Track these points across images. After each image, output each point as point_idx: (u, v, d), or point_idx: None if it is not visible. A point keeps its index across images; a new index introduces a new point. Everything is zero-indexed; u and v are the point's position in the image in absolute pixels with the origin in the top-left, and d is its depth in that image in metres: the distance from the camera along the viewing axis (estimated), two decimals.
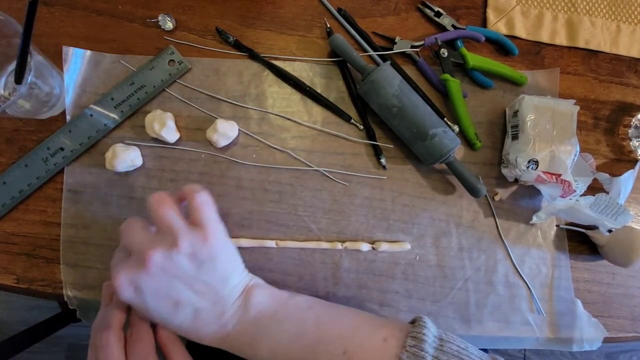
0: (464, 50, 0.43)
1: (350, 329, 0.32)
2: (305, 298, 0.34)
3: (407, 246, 0.42)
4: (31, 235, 0.40)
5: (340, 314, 0.33)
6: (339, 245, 0.40)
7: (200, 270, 0.30)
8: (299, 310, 0.33)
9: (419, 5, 0.46)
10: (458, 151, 0.44)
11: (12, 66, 0.36)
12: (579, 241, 0.44)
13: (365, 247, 0.41)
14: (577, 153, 0.40)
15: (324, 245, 0.40)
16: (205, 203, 0.32)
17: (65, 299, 0.39)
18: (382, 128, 0.44)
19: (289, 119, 0.43)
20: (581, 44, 0.46)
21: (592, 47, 0.47)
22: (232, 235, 0.41)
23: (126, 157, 0.39)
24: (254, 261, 0.41)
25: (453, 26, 0.45)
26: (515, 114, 0.42)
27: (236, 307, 0.32)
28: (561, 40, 0.46)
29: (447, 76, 0.43)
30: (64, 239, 0.40)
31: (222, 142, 0.40)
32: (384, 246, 0.41)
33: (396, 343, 0.30)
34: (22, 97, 0.35)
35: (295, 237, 0.41)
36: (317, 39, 0.44)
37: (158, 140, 0.41)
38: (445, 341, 0.30)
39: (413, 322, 0.33)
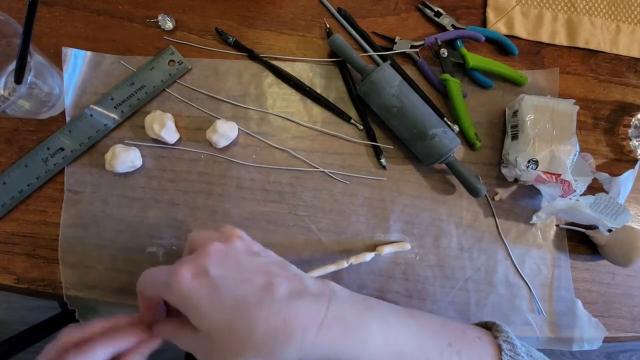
0: (464, 50, 0.43)
1: (443, 323, 0.30)
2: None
3: (408, 246, 0.42)
4: (31, 235, 0.40)
5: (424, 313, 0.31)
6: (345, 264, 0.39)
7: (258, 258, 0.27)
8: (388, 303, 0.29)
9: (419, 5, 0.46)
10: (458, 151, 0.44)
11: (12, 66, 0.36)
12: (579, 241, 0.44)
13: (369, 256, 0.40)
14: (577, 153, 0.40)
15: (331, 268, 0.39)
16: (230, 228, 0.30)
17: (65, 299, 0.39)
18: (382, 128, 0.44)
19: (288, 119, 0.43)
20: (581, 44, 0.46)
21: (592, 47, 0.47)
22: None
23: (126, 158, 0.39)
24: None
25: (453, 26, 0.45)
26: (515, 113, 0.42)
27: (318, 286, 0.26)
28: (561, 40, 0.46)
29: (447, 76, 0.43)
30: (64, 239, 0.40)
31: (222, 143, 0.40)
32: (386, 250, 0.41)
33: (489, 341, 0.30)
34: (22, 97, 0.35)
35: (296, 237, 0.41)
36: (317, 39, 0.44)
37: (158, 141, 0.41)
38: (528, 348, 0.31)
39: (484, 326, 0.33)
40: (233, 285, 0.24)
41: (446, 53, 0.43)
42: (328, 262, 0.41)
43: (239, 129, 0.42)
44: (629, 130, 0.45)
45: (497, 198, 0.44)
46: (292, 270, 0.27)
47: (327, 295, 0.26)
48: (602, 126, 0.46)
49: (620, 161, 0.46)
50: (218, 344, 0.23)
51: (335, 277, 0.41)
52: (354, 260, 0.40)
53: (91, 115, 0.40)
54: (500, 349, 0.30)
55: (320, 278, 0.29)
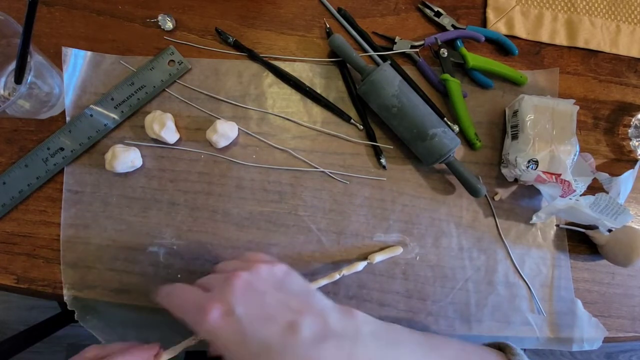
0: (464, 50, 0.43)
1: (463, 350, 0.31)
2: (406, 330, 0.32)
3: (400, 250, 0.41)
4: (31, 235, 0.40)
5: (445, 341, 0.32)
6: (337, 276, 0.38)
7: (283, 283, 0.28)
8: (410, 331, 0.30)
9: (419, 5, 0.46)
10: (458, 151, 0.44)
11: (12, 66, 0.36)
12: (579, 241, 0.44)
13: (361, 266, 0.39)
14: (577, 153, 0.40)
15: (322, 281, 0.37)
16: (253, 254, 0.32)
17: (65, 299, 0.39)
18: (382, 128, 0.44)
19: (288, 120, 0.43)
20: (581, 44, 0.46)
21: (592, 47, 0.47)
22: (233, 236, 0.41)
23: (126, 158, 0.39)
24: None
25: (453, 26, 0.45)
26: (515, 113, 0.42)
27: (343, 323, 0.26)
28: (561, 40, 0.46)
29: (447, 76, 0.43)
30: (64, 239, 0.40)
31: (222, 143, 0.40)
32: (378, 258, 0.40)
33: None
34: (22, 97, 0.35)
35: (296, 237, 0.41)
36: (317, 39, 0.44)
37: (158, 141, 0.41)
38: None
39: (497, 346, 0.33)
40: (258, 325, 0.24)
41: (446, 53, 0.43)
42: (328, 262, 0.41)
43: (239, 129, 0.42)
44: (629, 130, 0.45)
45: (497, 198, 0.44)
46: (317, 302, 0.27)
47: (351, 336, 0.26)
48: (602, 126, 0.46)
49: (620, 161, 0.46)
50: None
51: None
52: (346, 271, 0.38)
53: (91, 115, 0.40)
54: None
55: (345, 307, 0.29)
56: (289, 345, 0.24)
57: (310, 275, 0.41)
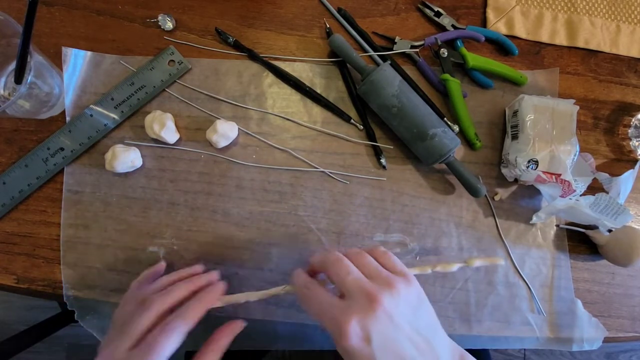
0: (464, 50, 0.43)
1: None
2: None
3: (502, 261, 0.38)
4: (31, 235, 0.40)
5: None
6: (429, 270, 0.35)
7: (415, 316, 0.28)
8: None
9: (419, 5, 0.46)
10: (458, 151, 0.44)
11: (12, 66, 0.36)
12: (579, 241, 0.44)
13: (456, 267, 0.36)
14: (577, 153, 0.40)
15: (413, 271, 0.34)
16: (395, 257, 0.32)
17: (65, 299, 0.39)
18: (382, 128, 0.44)
19: (288, 120, 0.43)
20: (581, 44, 0.46)
21: (592, 47, 0.47)
22: (233, 236, 0.41)
23: (126, 159, 0.39)
24: (254, 261, 0.41)
25: (453, 26, 0.45)
26: (515, 113, 0.42)
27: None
28: (561, 40, 0.46)
29: (447, 76, 0.43)
30: (64, 239, 0.40)
31: (222, 143, 0.40)
32: (477, 263, 0.37)
33: None
34: (22, 97, 0.35)
35: (296, 237, 0.41)
36: (317, 39, 0.44)
37: (158, 141, 0.41)
38: None
39: None
40: (384, 356, 0.26)
41: (446, 53, 0.43)
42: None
43: (239, 129, 0.42)
44: (629, 130, 0.45)
45: (497, 198, 0.44)
46: (438, 346, 0.28)
47: None
48: (602, 126, 0.46)
49: (620, 161, 0.46)
50: None
51: None
52: (440, 268, 0.36)
53: (91, 115, 0.40)
54: None
55: (457, 349, 0.30)
56: None
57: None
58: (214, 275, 0.36)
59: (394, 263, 0.31)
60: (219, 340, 0.32)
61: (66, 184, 0.40)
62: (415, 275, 0.35)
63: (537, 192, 0.43)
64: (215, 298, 0.33)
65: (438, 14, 0.45)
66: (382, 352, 0.26)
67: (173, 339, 0.28)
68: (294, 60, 0.44)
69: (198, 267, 0.37)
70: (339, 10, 0.45)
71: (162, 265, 0.38)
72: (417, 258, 0.42)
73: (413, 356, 0.27)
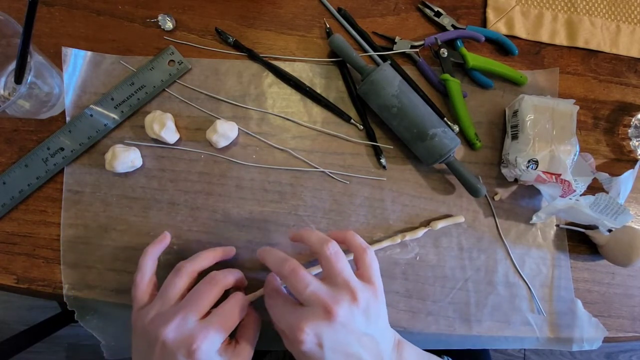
0: (464, 50, 0.43)
1: None
2: None
3: (461, 219, 0.42)
4: (31, 235, 0.40)
5: None
6: (398, 240, 0.41)
7: (369, 325, 0.30)
8: None
9: (419, 5, 0.46)
10: (458, 151, 0.44)
11: (12, 66, 0.36)
12: (579, 241, 0.44)
13: (421, 232, 0.41)
14: (577, 153, 0.40)
15: (385, 243, 0.41)
16: (374, 260, 0.33)
17: (65, 299, 0.39)
18: (382, 128, 0.44)
19: (288, 120, 0.43)
20: (581, 44, 0.46)
21: (592, 47, 0.47)
22: (233, 236, 0.41)
23: (126, 159, 0.39)
24: (254, 261, 0.41)
25: (453, 26, 0.45)
26: (515, 113, 0.42)
27: (393, 355, 0.32)
28: (561, 40, 0.46)
29: (447, 76, 0.43)
30: (64, 239, 0.40)
31: (222, 143, 0.40)
32: (440, 224, 0.42)
33: None
34: (22, 97, 0.35)
35: None
36: (317, 39, 0.44)
37: (158, 141, 0.41)
38: None
39: None
40: (332, 357, 0.29)
41: (446, 53, 0.43)
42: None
43: (239, 129, 0.42)
44: (629, 130, 0.45)
45: (497, 198, 0.44)
46: (383, 346, 0.31)
47: None
48: (602, 126, 0.46)
49: (620, 161, 0.46)
50: None
51: None
52: (409, 236, 0.41)
53: (91, 115, 0.40)
54: None
55: (399, 342, 0.34)
56: None
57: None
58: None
59: (371, 271, 0.32)
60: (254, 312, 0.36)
61: (66, 184, 0.40)
62: (386, 246, 0.40)
63: (537, 192, 0.43)
64: (239, 276, 0.35)
65: (438, 14, 0.45)
66: (332, 354, 0.28)
67: (242, 311, 0.33)
68: (294, 60, 0.44)
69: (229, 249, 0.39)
70: (339, 10, 0.45)
71: (167, 236, 0.38)
72: (417, 258, 0.42)
73: (359, 354, 0.29)
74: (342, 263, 0.31)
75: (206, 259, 0.35)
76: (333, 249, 0.31)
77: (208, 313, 0.32)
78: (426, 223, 0.42)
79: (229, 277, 0.34)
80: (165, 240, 0.37)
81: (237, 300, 0.33)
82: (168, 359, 0.29)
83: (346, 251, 0.34)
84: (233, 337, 0.34)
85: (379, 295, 0.32)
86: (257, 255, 0.34)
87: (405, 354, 0.34)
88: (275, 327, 0.32)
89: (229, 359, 0.32)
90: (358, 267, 0.33)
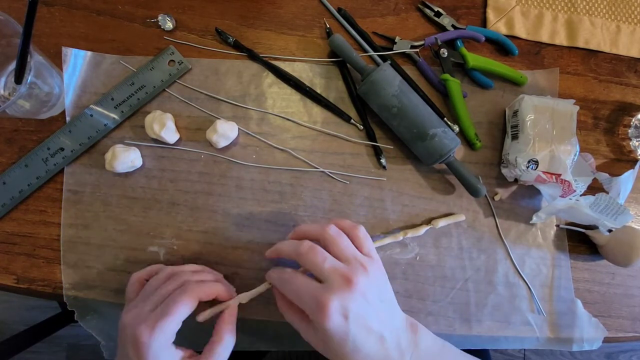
0: (464, 50, 0.43)
1: None
2: (454, 347, 0.37)
3: (462, 217, 0.43)
4: (31, 235, 0.40)
5: None
6: (400, 237, 0.41)
7: (381, 297, 0.32)
8: (460, 356, 0.37)
9: (419, 5, 0.46)
10: (458, 151, 0.44)
11: (12, 66, 0.36)
12: (579, 241, 0.44)
13: (423, 230, 0.41)
14: (577, 153, 0.40)
15: (387, 240, 0.41)
16: (367, 235, 0.35)
17: (65, 299, 0.39)
18: (382, 128, 0.44)
19: (288, 120, 0.43)
20: (581, 44, 0.46)
21: (592, 47, 0.47)
22: (233, 236, 0.41)
23: (126, 159, 0.39)
24: (254, 261, 0.41)
25: (453, 26, 0.45)
26: (515, 113, 0.42)
27: (408, 340, 0.33)
28: (561, 40, 0.46)
29: (447, 76, 0.43)
30: (64, 239, 0.40)
31: (222, 143, 0.40)
32: (441, 223, 0.42)
33: None
34: (22, 97, 0.35)
35: None
36: (317, 39, 0.44)
37: (158, 141, 0.41)
38: None
39: None
40: (360, 332, 0.30)
41: (446, 53, 0.43)
42: None
43: (239, 129, 0.42)
44: (629, 130, 0.45)
45: (497, 198, 0.44)
46: (396, 317, 0.34)
47: (410, 352, 0.33)
48: (602, 126, 0.46)
49: (620, 161, 0.46)
50: (325, 351, 0.32)
51: None
52: (411, 233, 0.41)
53: (91, 115, 0.40)
54: None
55: (411, 322, 0.35)
56: (379, 352, 0.31)
57: None
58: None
59: (367, 246, 0.34)
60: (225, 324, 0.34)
61: (66, 184, 0.40)
62: (389, 243, 0.41)
63: (537, 192, 0.43)
64: (223, 290, 0.34)
65: (438, 14, 0.45)
66: (355, 326, 0.30)
67: (186, 301, 0.31)
68: (294, 60, 0.44)
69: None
70: (339, 10, 0.45)
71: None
72: (417, 258, 0.42)
73: (377, 326, 0.31)
74: (346, 240, 0.33)
75: (210, 274, 0.36)
76: (334, 230, 0.33)
77: None
78: (427, 222, 0.42)
79: (190, 275, 0.34)
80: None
81: (183, 288, 0.32)
82: (123, 343, 0.31)
83: None
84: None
85: (381, 267, 0.34)
86: (267, 255, 0.35)
87: (422, 336, 0.34)
88: (288, 318, 0.33)
89: None
90: (355, 245, 0.34)
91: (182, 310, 0.30)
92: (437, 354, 0.35)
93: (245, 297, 0.35)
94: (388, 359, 0.31)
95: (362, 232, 0.34)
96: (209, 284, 0.34)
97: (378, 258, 0.34)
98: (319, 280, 0.31)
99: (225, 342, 0.32)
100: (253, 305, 0.40)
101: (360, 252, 0.33)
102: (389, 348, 0.31)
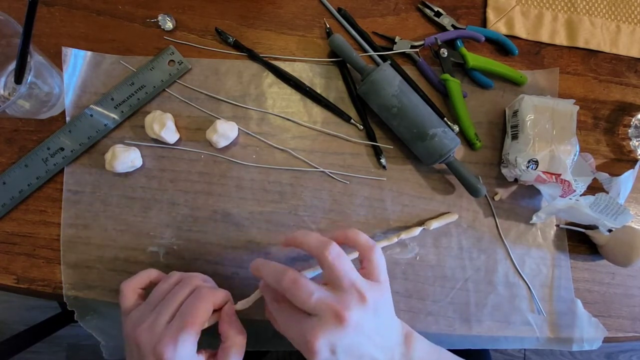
0: (464, 50, 0.43)
1: None
2: (451, 354, 0.36)
3: (455, 216, 0.42)
4: (31, 235, 0.40)
5: None
6: (395, 239, 0.40)
7: (378, 323, 0.30)
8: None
9: (419, 5, 0.46)
10: (458, 151, 0.44)
11: (12, 66, 0.36)
12: (579, 241, 0.44)
13: (417, 231, 0.41)
14: (577, 153, 0.40)
15: (382, 243, 0.40)
16: (382, 257, 0.32)
17: (65, 299, 0.39)
18: (382, 128, 0.44)
19: (288, 120, 0.43)
20: (581, 44, 0.46)
21: (592, 47, 0.47)
22: (233, 236, 0.41)
23: (126, 159, 0.39)
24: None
25: (453, 26, 0.45)
26: (515, 113, 0.42)
27: (401, 354, 0.32)
28: (561, 40, 0.46)
29: (447, 76, 0.43)
30: (64, 239, 0.40)
31: (222, 143, 0.40)
32: (434, 224, 0.41)
33: None
34: (22, 97, 0.35)
35: None
36: (317, 39, 0.44)
37: (158, 141, 0.41)
38: None
39: None
40: None
41: (446, 53, 0.43)
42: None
43: (239, 129, 0.42)
44: (629, 130, 0.45)
45: (497, 198, 0.44)
46: (392, 332, 0.32)
47: None
48: (602, 126, 0.46)
49: (620, 161, 0.46)
50: None
51: None
52: (404, 235, 0.41)
53: (91, 115, 0.40)
54: None
55: (408, 336, 0.33)
56: None
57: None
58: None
59: (379, 269, 0.31)
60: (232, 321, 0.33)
61: (66, 184, 0.40)
62: (384, 246, 0.39)
63: (537, 192, 0.43)
64: (229, 296, 0.33)
65: (438, 14, 0.45)
66: (345, 357, 0.28)
67: (205, 304, 0.30)
68: (294, 60, 0.44)
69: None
70: (339, 10, 0.45)
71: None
72: (417, 258, 0.42)
73: (371, 353, 0.29)
74: (346, 265, 0.30)
75: (217, 296, 0.32)
76: (334, 252, 0.30)
77: None
78: (421, 223, 0.42)
79: (201, 280, 0.33)
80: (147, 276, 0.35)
81: (198, 294, 0.31)
82: (144, 356, 0.29)
83: (345, 247, 0.33)
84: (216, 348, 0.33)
85: (386, 291, 0.31)
86: (250, 269, 0.32)
87: (416, 347, 0.33)
88: (280, 332, 0.32)
89: None
90: (364, 265, 0.32)
91: (202, 318, 0.29)
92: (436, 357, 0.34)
93: (240, 305, 0.34)
94: None
95: (376, 255, 0.31)
96: (219, 289, 0.32)
97: (386, 281, 0.32)
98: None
99: (238, 342, 0.31)
100: (253, 305, 0.40)
101: (367, 275, 0.31)
102: None
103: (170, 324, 0.29)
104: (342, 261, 0.30)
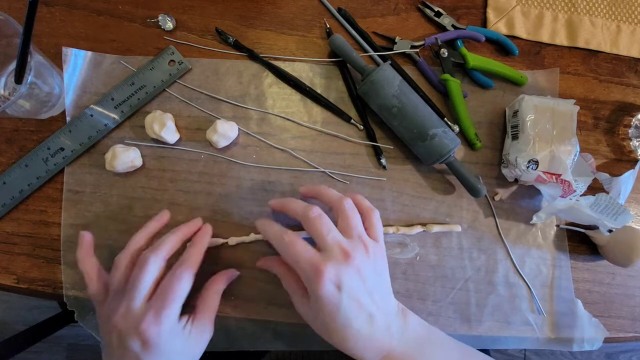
0: (464, 50, 0.43)
1: None
2: (442, 333, 0.37)
3: (458, 227, 0.43)
4: (31, 235, 0.40)
5: (475, 353, 0.38)
6: (390, 231, 0.41)
7: (377, 279, 0.33)
8: (447, 340, 0.37)
9: (419, 5, 0.46)
10: (458, 151, 0.44)
11: (12, 66, 0.36)
12: (579, 241, 0.44)
13: (416, 230, 0.42)
14: (577, 153, 0.40)
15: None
16: (379, 221, 0.35)
17: (65, 299, 0.39)
18: (382, 128, 0.44)
19: (289, 120, 0.43)
20: (581, 44, 0.46)
21: (592, 47, 0.47)
22: (232, 235, 0.41)
23: (126, 158, 0.39)
24: (254, 261, 0.41)
25: (453, 26, 0.45)
26: (515, 114, 0.42)
27: (399, 324, 0.34)
28: (561, 40, 0.46)
29: (447, 76, 0.43)
30: (64, 239, 0.40)
31: (222, 143, 0.40)
32: (435, 228, 0.42)
33: None
34: (22, 97, 0.35)
35: None
36: (317, 39, 0.44)
37: (158, 141, 0.41)
38: None
39: None
40: (352, 306, 0.31)
41: (446, 53, 0.43)
42: None
43: (239, 129, 0.42)
44: (629, 131, 0.45)
45: (497, 198, 0.44)
46: (389, 301, 0.34)
47: (399, 335, 0.34)
48: (602, 126, 0.46)
49: (620, 161, 0.46)
50: (316, 323, 0.33)
51: None
52: (404, 230, 0.42)
53: (91, 115, 0.40)
54: None
55: (402, 308, 0.35)
56: (368, 330, 0.32)
57: None
58: (198, 220, 0.38)
59: (377, 231, 0.35)
60: (216, 284, 0.37)
61: (66, 183, 0.40)
62: (387, 242, 0.41)
63: (537, 192, 0.43)
64: (207, 240, 0.36)
65: (438, 14, 0.45)
66: (347, 298, 0.30)
67: (184, 284, 0.32)
68: (294, 60, 0.44)
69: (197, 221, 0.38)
70: (339, 10, 0.45)
71: (166, 214, 0.38)
72: (417, 258, 0.42)
73: (369, 305, 0.32)
74: (358, 219, 0.34)
75: (171, 242, 0.34)
76: (350, 205, 0.34)
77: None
78: (422, 224, 0.42)
79: (161, 254, 0.33)
80: (87, 240, 0.36)
81: (174, 274, 0.32)
82: (124, 346, 0.30)
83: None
84: (191, 312, 0.34)
85: (384, 253, 0.35)
86: (273, 205, 0.36)
87: (411, 320, 0.35)
88: (285, 284, 0.35)
89: (188, 334, 0.33)
90: (365, 226, 0.34)
91: (183, 287, 0.31)
92: (425, 338, 0.35)
93: (233, 240, 0.39)
94: (376, 341, 0.32)
95: (376, 217, 0.35)
96: (196, 248, 0.35)
97: (383, 245, 0.35)
98: (319, 249, 0.32)
99: (216, 295, 0.35)
100: (253, 305, 0.40)
101: (368, 234, 0.34)
102: (379, 330, 0.32)
103: (150, 303, 0.31)
104: (355, 214, 0.34)
